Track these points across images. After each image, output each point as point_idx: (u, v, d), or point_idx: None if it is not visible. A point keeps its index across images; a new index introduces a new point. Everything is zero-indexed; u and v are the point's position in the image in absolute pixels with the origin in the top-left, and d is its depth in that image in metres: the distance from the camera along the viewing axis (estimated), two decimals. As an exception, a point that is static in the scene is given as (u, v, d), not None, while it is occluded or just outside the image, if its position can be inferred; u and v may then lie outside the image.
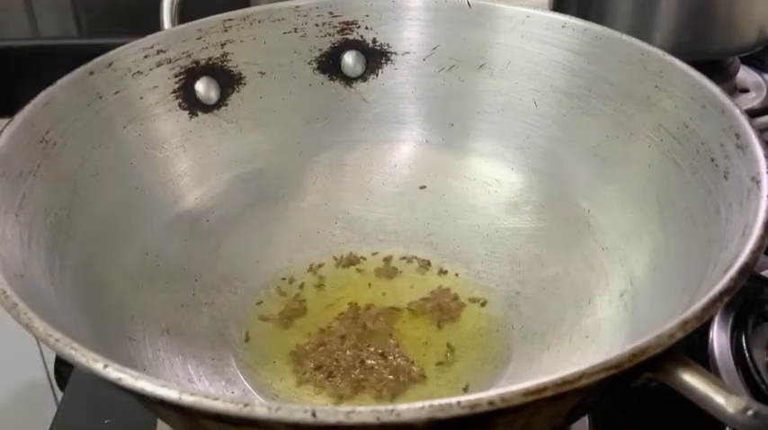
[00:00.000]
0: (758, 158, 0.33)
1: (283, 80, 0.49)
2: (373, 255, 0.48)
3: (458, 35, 0.49)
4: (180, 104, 0.46)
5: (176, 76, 0.46)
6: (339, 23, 0.49)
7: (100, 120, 0.42)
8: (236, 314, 0.44)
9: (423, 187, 0.50)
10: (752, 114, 0.54)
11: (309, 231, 0.49)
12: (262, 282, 0.46)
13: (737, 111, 0.36)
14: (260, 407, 0.23)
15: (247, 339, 0.43)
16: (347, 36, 0.49)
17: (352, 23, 0.49)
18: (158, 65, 0.45)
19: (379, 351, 0.42)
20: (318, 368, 0.41)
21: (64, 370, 0.48)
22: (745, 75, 0.64)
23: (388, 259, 0.48)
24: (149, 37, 0.45)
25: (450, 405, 0.22)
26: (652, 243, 0.39)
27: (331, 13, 0.49)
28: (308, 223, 0.49)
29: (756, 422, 0.24)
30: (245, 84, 0.48)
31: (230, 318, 0.44)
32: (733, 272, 0.28)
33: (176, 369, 0.39)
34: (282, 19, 0.48)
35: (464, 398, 0.23)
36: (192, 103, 0.47)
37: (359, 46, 0.50)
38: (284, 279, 0.46)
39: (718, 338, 0.42)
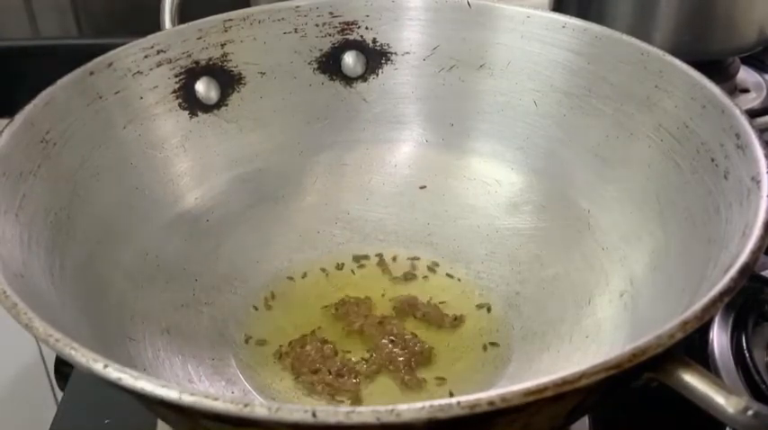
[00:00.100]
0: (758, 158, 0.33)
1: (283, 80, 0.49)
2: (374, 255, 0.48)
3: (458, 35, 0.49)
4: (180, 104, 0.46)
5: (176, 76, 0.46)
6: (339, 23, 0.49)
7: (100, 120, 0.42)
8: (236, 314, 0.44)
9: (423, 187, 0.50)
10: (752, 114, 0.54)
11: (309, 231, 0.49)
12: (262, 282, 0.46)
13: (737, 112, 0.36)
14: (260, 408, 0.23)
15: (247, 339, 0.43)
16: (347, 36, 0.49)
17: (353, 23, 0.49)
18: (158, 65, 0.45)
19: (379, 351, 0.42)
20: (318, 369, 0.41)
21: (64, 370, 0.48)
22: (745, 75, 0.64)
23: (388, 259, 0.48)
24: (149, 37, 0.45)
25: (450, 405, 0.22)
26: (652, 243, 0.39)
27: (331, 13, 0.49)
28: (308, 223, 0.49)
29: (756, 422, 0.24)
30: (245, 84, 0.48)
31: (230, 318, 0.44)
32: (733, 272, 0.28)
33: (176, 369, 0.39)
34: (282, 19, 0.48)
35: (464, 398, 0.23)
36: (192, 103, 0.47)
37: (359, 46, 0.50)
38: (284, 278, 0.46)
39: (719, 338, 0.42)
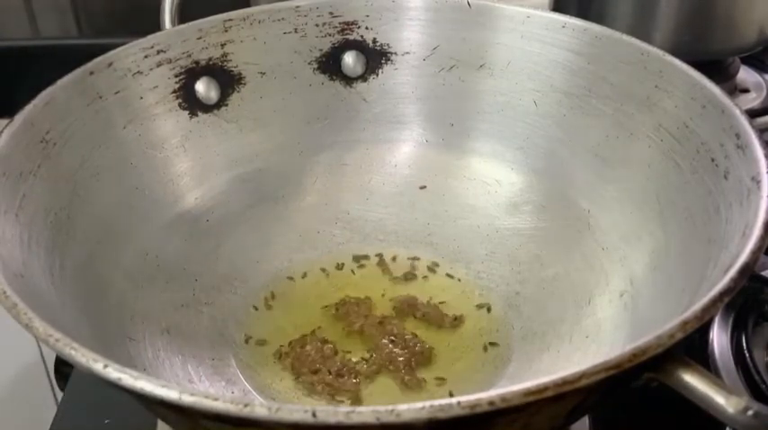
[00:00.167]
0: (758, 158, 0.33)
1: (283, 80, 0.49)
2: (374, 255, 0.48)
3: (458, 35, 0.49)
4: (180, 104, 0.46)
5: (176, 76, 0.46)
6: (339, 23, 0.49)
7: (100, 120, 0.42)
8: (236, 314, 0.44)
9: (423, 187, 0.50)
10: (752, 114, 0.54)
11: (309, 231, 0.49)
12: (262, 282, 0.46)
13: (737, 112, 0.36)
14: (260, 408, 0.23)
15: (247, 339, 0.43)
16: (347, 36, 0.49)
17: (353, 23, 0.49)
18: (158, 65, 0.45)
19: (380, 351, 0.42)
20: (318, 369, 0.41)
21: (64, 370, 0.48)
22: (745, 75, 0.64)
23: (388, 259, 0.48)
24: (149, 37, 0.45)
25: (450, 405, 0.22)
26: (652, 243, 0.39)
27: (331, 13, 0.49)
28: (308, 223, 0.49)
29: (756, 422, 0.24)
30: (245, 84, 0.48)
31: (230, 318, 0.44)
32: (733, 272, 0.28)
33: (176, 369, 0.39)
34: (282, 19, 0.48)
35: (464, 398, 0.23)
36: (192, 103, 0.47)
37: (359, 46, 0.50)
38: (284, 278, 0.46)
39: (719, 338, 0.42)
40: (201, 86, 0.47)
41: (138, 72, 0.44)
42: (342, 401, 0.40)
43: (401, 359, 0.41)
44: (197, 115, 0.47)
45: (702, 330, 0.42)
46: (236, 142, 0.48)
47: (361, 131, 0.51)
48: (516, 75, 0.47)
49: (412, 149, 0.51)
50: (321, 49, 0.49)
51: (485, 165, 0.49)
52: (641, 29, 0.57)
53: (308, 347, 0.42)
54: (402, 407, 0.22)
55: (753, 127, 0.35)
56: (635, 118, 0.42)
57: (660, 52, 0.41)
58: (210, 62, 0.47)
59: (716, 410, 0.24)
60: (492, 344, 0.43)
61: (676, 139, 0.40)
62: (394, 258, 0.48)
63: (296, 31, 0.49)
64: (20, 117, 0.38)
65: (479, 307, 0.45)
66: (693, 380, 0.25)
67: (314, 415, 0.22)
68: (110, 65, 0.43)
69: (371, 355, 0.42)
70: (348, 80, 0.50)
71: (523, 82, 0.47)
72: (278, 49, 0.49)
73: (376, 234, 0.49)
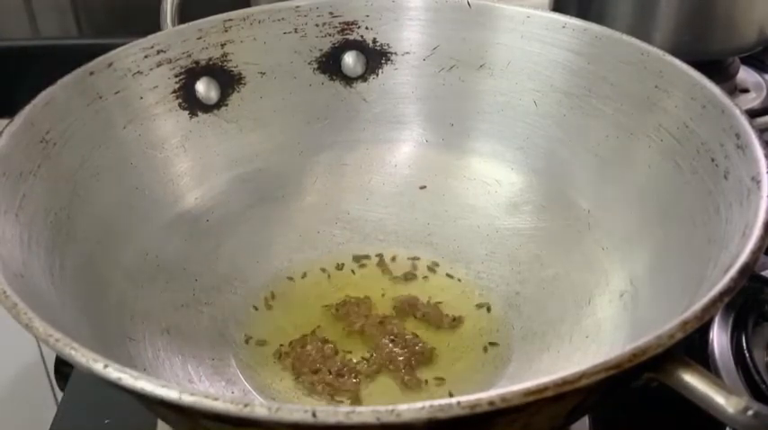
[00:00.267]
0: (758, 158, 0.33)
1: (283, 80, 0.49)
2: (374, 255, 0.48)
3: (458, 35, 0.49)
4: (180, 104, 0.46)
5: (176, 76, 0.46)
6: (339, 23, 0.49)
7: (100, 120, 0.42)
8: (236, 314, 0.44)
9: (423, 187, 0.50)
10: (752, 114, 0.54)
11: (309, 231, 0.49)
12: (262, 282, 0.46)
13: (737, 112, 0.36)
14: (260, 408, 0.23)
15: (247, 339, 0.43)
16: (347, 36, 0.49)
17: (353, 23, 0.49)
18: (158, 65, 0.45)
19: (380, 351, 0.42)
20: (318, 369, 0.41)
21: (64, 370, 0.48)
22: (745, 75, 0.64)
23: (388, 259, 0.48)
24: (149, 37, 0.45)
25: (450, 405, 0.22)
26: (652, 243, 0.39)
27: (331, 13, 0.49)
28: (308, 223, 0.49)
29: (756, 422, 0.24)
30: (245, 84, 0.48)
31: (230, 318, 0.44)
32: (733, 272, 0.28)
33: (176, 369, 0.39)
34: (282, 19, 0.48)
35: (464, 398, 0.23)
36: (192, 103, 0.47)
37: (359, 46, 0.50)
38: (284, 278, 0.46)
39: (719, 338, 0.42)
40: (201, 86, 0.47)
41: (138, 72, 0.44)
42: (341, 401, 0.40)
43: (401, 359, 0.41)
44: (197, 115, 0.47)
45: (702, 330, 0.42)
46: (236, 142, 0.48)
47: (361, 131, 0.51)
48: (516, 75, 0.47)
49: (412, 149, 0.51)
50: (321, 49, 0.49)
51: (485, 165, 0.49)
52: (641, 29, 0.57)
53: (308, 347, 0.42)
54: (402, 407, 0.22)
55: (753, 127, 0.35)
56: (635, 118, 0.42)
57: (660, 52, 0.41)
58: (210, 62, 0.47)
59: (716, 410, 0.24)
60: (492, 344, 0.43)
61: (676, 139, 0.40)
62: (394, 258, 0.48)
63: (296, 31, 0.49)
64: (20, 117, 0.38)
65: (479, 307, 0.45)
66: (693, 380, 0.25)
67: (314, 415, 0.22)
68: (110, 65, 0.43)
69: (372, 355, 0.42)
70: (348, 80, 0.50)
71: (523, 82, 0.47)
72: (278, 49, 0.49)
73: (376, 234, 0.49)
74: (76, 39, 0.77)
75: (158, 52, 0.45)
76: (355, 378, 0.40)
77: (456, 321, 0.44)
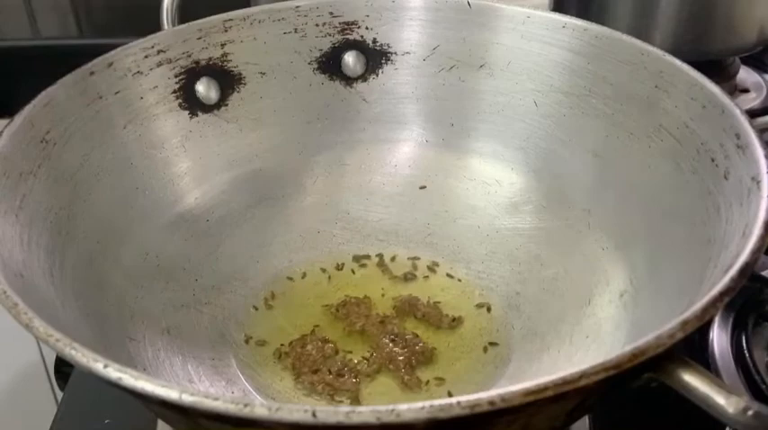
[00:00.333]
0: (758, 158, 0.33)
1: (283, 80, 0.49)
2: (374, 255, 0.48)
3: (458, 35, 0.49)
4: (180, 104, 0.46)
5: (176, 76, 0.46)
6: (339, 23, 0.49)
7: (100, 120, 0.42)
8: (236, 314, 0.44)
9: (423, 187, 0.50)
10: (752, 114, 0.54)
11: (309, 231, 0.49)
12: (262, 281, 0.46)
13: (737, 112, 0.36)
14: (260, 408, 0.23)
15: (247, 339, 0.43)
16: (347, 36, 0.49)
17: (353, 23, 0.49)
18: (158, 65, 0.45)
19: (380, 351, 0.42)
20: (318, 369, 0.41)
21: (64, 370, 0.48)
22: (745, 75, 0.64)
23: (388, 259, 0.48)
24: (149, 37, 0.45)
25: (450, 405, 0.22)
26: (652, 243, 0.39)
27: (331, 13, 0.49)
28: (308, 223, 0.49)
29: (756, 422, 0.24)
30: (245, 84, 0.48)
31: (230, 319, 0.44)
32: (733, 272, 0.28)
33: (176, 369, 0.39)
34: (283, 19, 0.48)
35: (464, 398, 0.23)
36: (193, 103, 0.47)
37: (359, 46, 0.50)
38: (284, 278, 0.46)
39: (719, 338, 0.42)
40: (201, 86, 0.47)
41: (138, 72, 0.44)
42: (341, 401, 0.40)
43: (401, 358, 0.41)
44: (197, 115, 0.47)
45: (702, 330, 0.42)
46: (237, 142, 0.48)
47: (361, 131, 0.51)
48: (516, 75, 0.47)
49: (412, 149, 0.51)
50: (321, 49, 0.49)
51: (485, 165, 0.49)
52: (641, 29, 0.57)
53: (308, 347, 0.42)
54: (402, 407, 0.22)
55: (753, 127, 0.35)
56: (635, 118, 0.42)
57: (660, 52, 0.41)
58: (210, 62, 0.47)
59: (716, 410, 0.24)
60: (492, 344, 0.43)
61: (676, 139, 0.40)
62: (394, 258, 0.48)
63: (296, 31, 0.49)
64: (20, 117, 0.38)
65: (479, 307, 0.45)
66: (693, 380, 0.25)
67: (314, 415, 0.22)
68: (110, 65, 0.43)
69: (372, 355, 0.42)
70: (348, 80, 0.50)
71: (523, 82, 0.47)
72: (278, 49, 0.49)
73: (376, 234, 0.49)
74: (76, 39, 0.77)
75: (158, 52, 0.45)
76: (355, 378, 0.40)
77: (456, 321, 0.44)
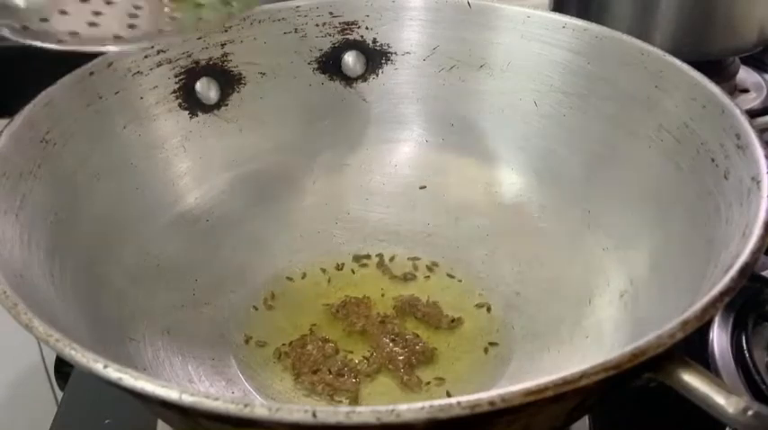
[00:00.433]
0: (758, 158, 0.33)
1: (283, 80, 0.49)
2: (374, 255, 0.48)
3: (458, 35, 0.49)
4: (180, 104, 0.46)
5: (176, 77, 0.46)
6: (339, 23, 0.49)
7: (100, 120, 0.42)
8: (236, 314, 0.44)
9: (423, 187, 0.50)
10: (752, 114, 0.54)
11: (309, 231, 0.49)
12: (262, 282, 0.46)
13: (737, 112, 0.36)
14: (260, 408, 0.23)
15: (247, 340, 0.43)
16: (347, 36, 0.49)
17: (353, 23, 0.49)
18: (158, 65, 0.45)
19: (380, 350, 0.42)
20: (318, 369, 0.41)
21: (64, 370, 0.48)
22: (745, 75, 0.64)
23: (388, 259, 0.48)
24: (149, 37, 0.45)
25: (450, 405, 0.22)
26: (652, 243, 0.40)
27: (331, 13, 0.49)
28: (308, 223, 0.49)
29: (756, 422, 0.24)
30: (245, 84, 0.48)
31: (230, 319, 0.44)
32: (733, 272, 0.28)
33: (176, 369, 0.39)
34: (283, 19, 0.48)
35: (464, 398, 0.23)
36: (193, 103, 0.47)
37: (359, 46, 0.50)
38: (284, 279, 0.46)
39: (719, 338, 0.42)
40: (201, 86, 0.47)
41: (138, 72, 0.44)
42: (341, 401, 0.40)
43: (401, 358, 0.41)
44: (197, 115, 0.47)
45: (702, 330, 0.42)
46: (236, 142, 0.48)
47: (361, 131, 0.51)
48: (516, 75, 0.47)
49: (412, 149, 0.51)
50: (321, 49, 0.49)
51: (485, 165, 0.49)
52: (641, 29, 0.57)
53: (308, 347, 0.42)
54: (402, 407, 0.22)
55: (753, 127, 0.35)
56: (635, 118, 0.42)
57: (660, 52, 0.41)
58: (210, 62, 0.47)
59: (716, 410, 0.24)
60: (492, 344, 0.43)
61: (676, 139, 0.40)
62: (394, 258, 0.48)
63: (296, 31, 0.49)
64: (20, 117, 0.38)
65: (479, 307, 0.45)
66: (693, 380, 0.25)
67: (314, 415, 0.22)
68: (110, 65, 0.43)
69: (372, 354, 0.42)
70: (348, 80, 0.50)
71: (523, 82, 0.47)
72: (278, 49, 0.49)
73: (376, 234, 0.49)
74: (76, 39, 0.77)
75: (158, 52, 0.45)
76: (355, 378, 0.40)
77: (456, 321, 0.44)
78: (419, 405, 0.22)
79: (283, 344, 0.43)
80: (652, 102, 0.41)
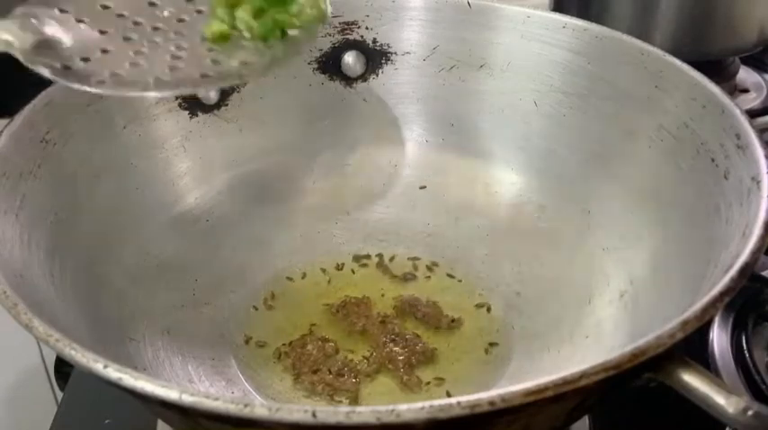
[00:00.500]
0: (758, 158, 0.33)
1: (283, 80, 0.49)
2: (374, 255, 0.48)
3: (458, 35, 0.49)
4: (180, 104, 0.46)
5: (176, 76, 0.46)
6: (339, 24, 0.49)
7: (100, 120, 0.42)
8: (236, 314, 0.44)
9: (423, 187, 0.50)
10: (752, 114, 0.54)
11: (309, 231, 0.49)
12: (262, 282, 0.46)
13: (737, 112, 0.36)
14: (260, 408, 0.23)
15: (247, 340, 0.43)
16: (347, 36, 0.49)
17: (353, 24, 0.49)
18: (158, 65, 0.45)
19: (380, 350, 0.42)
20: (318, 368, 0.41)
21: (64, 370, 0.48)
22: (745, 75, 0.64)
23: (388, 259, 0.48)
24: (149, 37, 0.45)
25: (450, 405, 0.22)
26: (652, 243, 0.40)
27: (331, 13, 0.49)
28: (308, 223, 0.49)
29: (756, 422, 0.24)
30: (245, 83, 0.48)
31: (230, 319, 0.44)
32: (733, 272, 0.28)
33: (176, 369, 0.39)
34: (282, 19, 0.48)
35: (464, 398, 0.23)
36: (193, 103, 0.47)
37: (359, 46, 0.50)
38: (284, 279, 0.46)
39: (719, 338, 0.42)
40: (201, 86, 0.47)
41: (138, 72, 0.44)
42: (341, 401, 0.40)
43: (401, 358, 0.41)
44: (197, 115, 0.47)
45: (702, 330, 0.42)
46: (236, 142, 0.48)
47: (362, 131, 0.51)
48: (516, 75, 0.47)
49: (412, 149, 0.51)
50: (321, 49, 0.49)
51: (485, 165, 0.49)
52: (641, 29, 0.57)
53: (308, 347, 0.42)
54: (402, 407, 0.22)
55: (753, 127, 0.35)
56: (635, 118, 0.42)
57: (660, 52, 0.41)
58: (210, 62, 0.47)
59: (716, 410, 0.24)
60: (492, 344, 0.43)
61: (676, 139, 0.40)
62: (394, 258, 0.48)
63: (296, 31, 0.49)
64: (20, 117, 0.38)
65: (479, 307, 0.45)
66: (693, 380, 0.25)
67: (314, 415, 0.22)
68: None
69: (372, 354, 0.42)
70: (348, 80, 0.50)
71: (523, 82, 0.47)
72: (278, 49, 0.48)
73: (376, 234, 0.49)
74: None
75: (158, 52, 0.45)
76: (355, 378, 0.40)
77: (456, 321, 0.44)
78: (419, 405, 0.22)
79: (283, 344, 0.43)
80: (652, 102, 0.41)
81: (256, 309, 0.45)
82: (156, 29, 0.33)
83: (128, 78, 0.31)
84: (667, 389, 0.26)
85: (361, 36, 0.50)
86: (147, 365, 0.38)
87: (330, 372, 0.40)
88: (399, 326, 0.43)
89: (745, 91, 0.63)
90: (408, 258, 0.48)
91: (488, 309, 0.44)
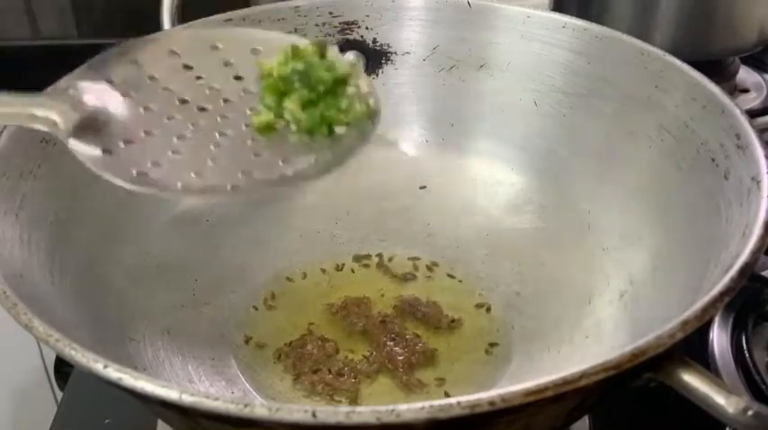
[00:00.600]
0: (758, 158, 0.33)
1: (283, 80, 0.49)
2: (374, 255, 0.48)
3: (458, 35, 0.49)
4: (180, 104, 0.46)
5: (176, 76, 0.46)
6: (339, 24, 0.49)
7: (100, 120, 0.42)
8: (236, 314, 0.44)
9: (423, 187, 0.50)
10: (752, 114, 0.54)
11: (309, 231, 0.49)
12: (262, 282, 0.46)
13: (737, 112, 0.36)
14: (260, 408, 0.23)
15: (247, 340, 0.43)
16: (347, 36, 0.49)
17: (353, 24, 0.49)
18: (158, 65, 0.45)
19: (380, 350, 0.42)
20: (319, 368, 0.41)
21: (64, 370, 0.48)
22: (745, 75, 0.64)
23: (388, 259, 0.48)
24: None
25: (450, 405, 0.22)
26: (652, 243, 0.40)
27: (331, 13, 0.49)
28: (308, 223, 0.49)
29: (756, 422, 0.24)
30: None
31: (230, 319, 0.44)
32: (733, 272, 0.28)
33: (176, 369, 0.39)
34: (282, 19, 0.48)
35: (464, 398, 0.23)
36: (192, 103, 0.47)
37: (359, 46, 0.50)
38: (284, 279, 0.46)
39: (719, 338, 0.42)
40: (201, 86, 0.47)
41: (138, 72, 0.44)
42: (340, 401, 0.40)
43: (401, 358, 0.41)
44: (197, 115, 0.47)
45: (702, 330, 0.42)
46: (236, 142, 0.48)
47: (361, 131, 0.51)
48: (516, 75, 0.47)
49: (412, 149, 0.51)
50: (321, 49, 0.49)
51: (485, 165, 0.49)
52: (641, 29, 0.57)
53: (308, 347, 0.42)
54: (402, 407, 0.22)
55: (753, 127, 0.35)
56: (635, 118, 0.42)
57: (660, 52, 0.41)
58: (210, 62, 0.47)
59: (716, 410, 0.24)
60: (492, 344, 0.43)
61: (676, 139, 0.40)
62: (393, 258, 0.48)
63: (296, 31, 0.49)
64: (20, 117, 0.38)
65: (479, 307, 0.45)
66: (693, 380, 0.25)
67: (314, 415, 0.22)
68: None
69: (372, 354, 0.42)
70: (348, 80, 0.50)
71: (523, 82, 0.47)
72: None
73: (376, 234, 0.49)
74: (76, 39, 0.77)
75: (158, 52, 0.45)
76: (355, 378, 0.40)
77: (456, 321, 0.44)
78: (419, 405, 0.22)
79: (284, 345, 0.42)
80: (652, 102, 0.41)
81: (256, 309, 0.45)
82: (202, 109, 0.31)
83: (167, 171, 0.29)
84: (667, 389, 0.26)
85: (361, 36, 0.50)
86: (147, 365, 0.38)
87: (330, 372, 0.40)
88: (399, 326, 0.43)
89: (745, 91, 0.63)
90: (408, 258, 0.48)
91: (488, 309, 0.44)
